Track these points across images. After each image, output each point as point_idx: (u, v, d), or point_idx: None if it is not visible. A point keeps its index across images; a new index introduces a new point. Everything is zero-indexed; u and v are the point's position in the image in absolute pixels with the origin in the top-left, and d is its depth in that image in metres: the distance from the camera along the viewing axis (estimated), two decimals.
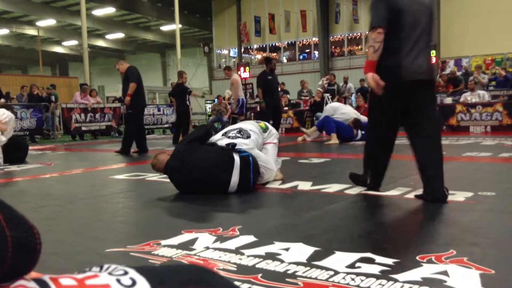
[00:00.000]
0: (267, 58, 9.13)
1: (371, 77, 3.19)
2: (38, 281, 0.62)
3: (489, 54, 20.14)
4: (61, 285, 0.62)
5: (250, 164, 3.62)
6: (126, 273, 0.68)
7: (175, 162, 3.62)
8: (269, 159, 3.99)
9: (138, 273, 0.68)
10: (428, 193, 3.14)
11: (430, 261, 1.89)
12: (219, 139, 3.90)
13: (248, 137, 3.89)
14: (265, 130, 4.13)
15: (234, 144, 3.73)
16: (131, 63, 8.31)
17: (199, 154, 3.63)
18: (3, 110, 6.69)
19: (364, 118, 9.43)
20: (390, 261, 1.90)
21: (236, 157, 3.60)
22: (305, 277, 1.76)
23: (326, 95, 13.27)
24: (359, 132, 8.95)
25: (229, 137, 3.88)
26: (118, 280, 0.66)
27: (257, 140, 4.00)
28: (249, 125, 4.12)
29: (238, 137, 3.86)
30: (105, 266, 0.71)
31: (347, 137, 8.80)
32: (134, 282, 0.66)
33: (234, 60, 28.52)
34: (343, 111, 9.27)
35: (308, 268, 1.86)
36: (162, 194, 3.75)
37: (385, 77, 3.18)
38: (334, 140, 8.66)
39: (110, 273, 0.68)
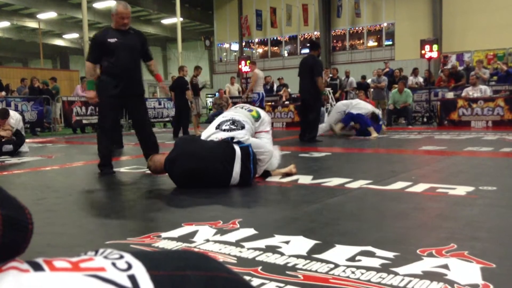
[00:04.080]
0: (315, 42, 8.58)
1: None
2: (31, 263, 0.62)
3: (491, 49, 20.06)
4: (55, 267, 0.61)
5: (250, 155, 3.62)
6: (121, 257, 0.67)
7: (174, 153, 3.60)
8: (261, 142, 3.91)
9: (134, 257, 0.68)
10: None
11: (430, 255, 1.88)
12: (214, 132, 3.85)
13: (243, 127, 3.86)
14: (257, 119, 4.08)
15: (233, 137, 3.72)
16: None
17: (200, 145, 3.63)
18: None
19: (377, 111, 9.35)
20: (390, 254, 1.90)
21: (237, 148, 3.59)
22: (305, 270, 1.76)
23: (328, 89, 13.20)
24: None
25: (224, 130, 3.83)
26: (114, 264, 0.65)
27: (250, 129, 3.97)
28: (242, 116, 4.04)
29: (233, 129, 3.81)
30: (101, 250, 0.70)
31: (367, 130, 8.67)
32: (129, 266, 0.65)
33: (235, 54, 28.44)
34: (359, 105, 9.08)
35: (308, 261, 1.85)
36: (162, 187, 3.75)
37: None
38: (374, 133, 8.41)
39: (105, 257, 0.67)
